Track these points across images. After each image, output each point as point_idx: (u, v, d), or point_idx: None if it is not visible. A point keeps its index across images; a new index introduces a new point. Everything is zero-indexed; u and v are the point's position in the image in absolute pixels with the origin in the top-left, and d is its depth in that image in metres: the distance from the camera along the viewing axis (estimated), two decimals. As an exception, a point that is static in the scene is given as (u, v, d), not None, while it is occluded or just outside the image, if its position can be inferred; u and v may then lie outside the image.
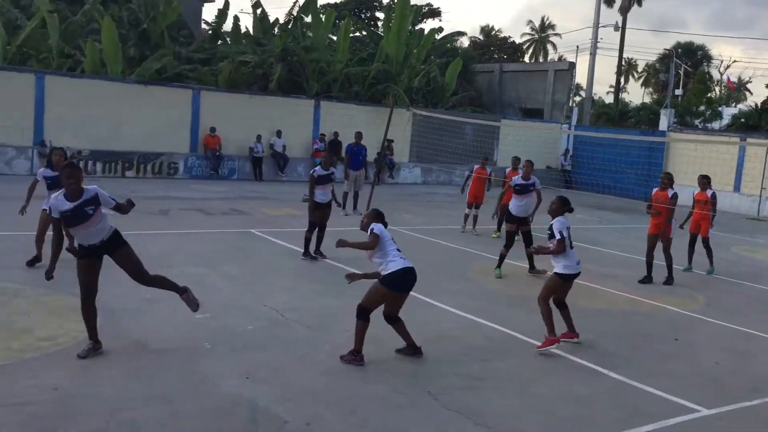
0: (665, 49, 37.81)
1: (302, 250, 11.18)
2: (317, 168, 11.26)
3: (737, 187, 24.49)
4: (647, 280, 11.23)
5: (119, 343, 6.68)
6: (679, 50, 57.15)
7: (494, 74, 36.17)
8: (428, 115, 22.29)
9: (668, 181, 11.30)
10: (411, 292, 8.65)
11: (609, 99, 56.85)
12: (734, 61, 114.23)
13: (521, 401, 6.05)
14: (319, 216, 11.05)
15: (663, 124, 27.96)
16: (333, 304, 8.52)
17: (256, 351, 6.77)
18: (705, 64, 59.37)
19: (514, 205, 11.17)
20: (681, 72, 48.74)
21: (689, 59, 57.68)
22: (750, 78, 78.59)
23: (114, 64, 22.54)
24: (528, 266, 11.19)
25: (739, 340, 8.47)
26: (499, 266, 10.89)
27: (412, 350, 6.91)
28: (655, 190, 11.52)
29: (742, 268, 13.39)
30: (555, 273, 7.56)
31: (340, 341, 7.05)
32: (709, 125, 35.63)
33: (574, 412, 5.88)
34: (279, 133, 23.33)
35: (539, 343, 7.48)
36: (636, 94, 75.43)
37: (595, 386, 6.53)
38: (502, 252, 10.91)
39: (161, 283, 6.79)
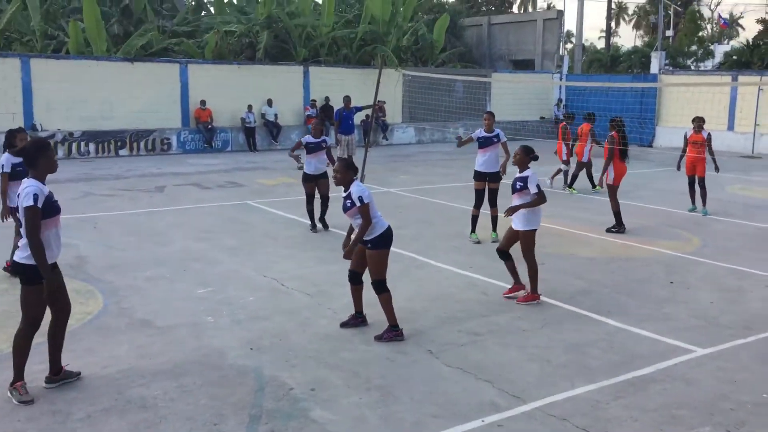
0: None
1: (300, 219, 11.38)
2: (307, 136, 11.07)
3: (731, 126, 24.45)
4: (614, 228, 11.06)
5: (124, 321, 6.82)
6: (669, -10, 56.30)
7: (483, 27, 35.81)
8: (417, 74, 22.15)
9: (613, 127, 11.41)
10: (409, 253, 8.71)
11: (601, 44, 56.39)
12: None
13: (519, 353, 6.19)
14: (311, 187, 10.84)
15: (654, 67, 27.78)
16: (332, 269, 8.63)
17: (259, 321, 6.90)
18: (695, 2, 58.56)
19: (479, 160, 10.18)
20: (671, 12, 48.19)
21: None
22: (741, 14, 77.75)
23: (98, 42, 22.35)
24: (491, 228, 10.39)
25: (733, 279, 8.59)
26: (473, 230, 10.32)
27: (359, 319, 6.75)
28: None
29: (737, 206, 13.49)
30: (531, 229, 7.48)
31: (341, 305, 7.18)
32: (701, 65, 35.45)
33: (571, 359, 6.03)
34: (270, 102, 23.24)
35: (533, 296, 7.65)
36: (628, 37, 74.58)
37: (590, 333, 6.67)
38: (473, 213, 10.30)
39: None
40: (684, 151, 12.98)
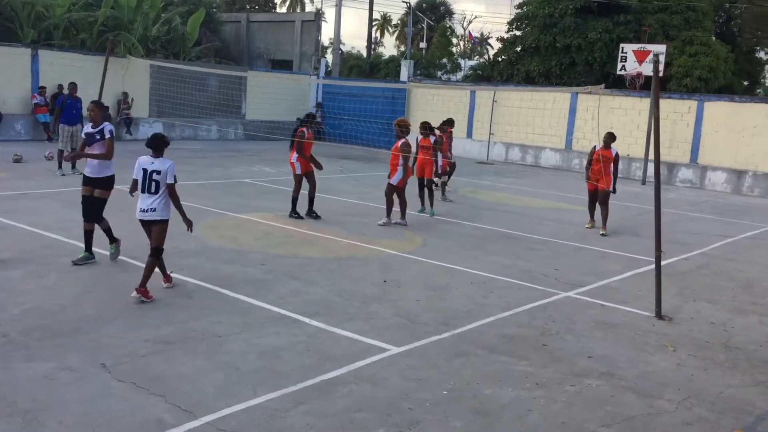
0: (403, 1, 38.86)
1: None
2: None
3: (470, 134, 26.22)
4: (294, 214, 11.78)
5: None
6: (424, 5, 59.82)
7: (241, 25, 35.08)
8: (161, 65, 20.92)
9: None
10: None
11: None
12: (476, 17, 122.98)
13: (207, 361, 5.67)
14: None
15: (404, 75, 29.02)
16: (13, 275, 7.48)
17: None
18: (447, 18, 62.86)
19: (88, 163, 8.26)
20: (425, 26, 51.17)
21: (433, 14, 60.72)
22: (490, 33, 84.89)
23: None
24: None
25: (444, 276, 8.82)
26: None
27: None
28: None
29: (463, 208, 14.20)
30: None
31: (12, 315, 6.15)
32: (451, 77, 37.88)
33: (262, 366, 5.63)
34: (-12, 86, 20.49)
35: (245, 298, 7.24)
36: (392, 48, 78.33)
37: (290, 336, 6.34)
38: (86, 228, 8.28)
39: None
40: (416, 154, 13.39)
